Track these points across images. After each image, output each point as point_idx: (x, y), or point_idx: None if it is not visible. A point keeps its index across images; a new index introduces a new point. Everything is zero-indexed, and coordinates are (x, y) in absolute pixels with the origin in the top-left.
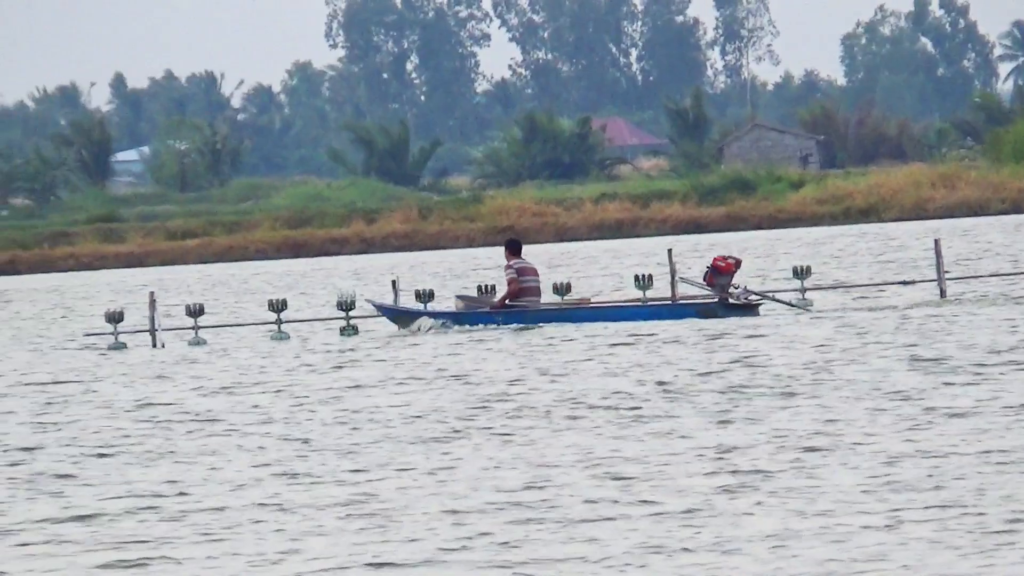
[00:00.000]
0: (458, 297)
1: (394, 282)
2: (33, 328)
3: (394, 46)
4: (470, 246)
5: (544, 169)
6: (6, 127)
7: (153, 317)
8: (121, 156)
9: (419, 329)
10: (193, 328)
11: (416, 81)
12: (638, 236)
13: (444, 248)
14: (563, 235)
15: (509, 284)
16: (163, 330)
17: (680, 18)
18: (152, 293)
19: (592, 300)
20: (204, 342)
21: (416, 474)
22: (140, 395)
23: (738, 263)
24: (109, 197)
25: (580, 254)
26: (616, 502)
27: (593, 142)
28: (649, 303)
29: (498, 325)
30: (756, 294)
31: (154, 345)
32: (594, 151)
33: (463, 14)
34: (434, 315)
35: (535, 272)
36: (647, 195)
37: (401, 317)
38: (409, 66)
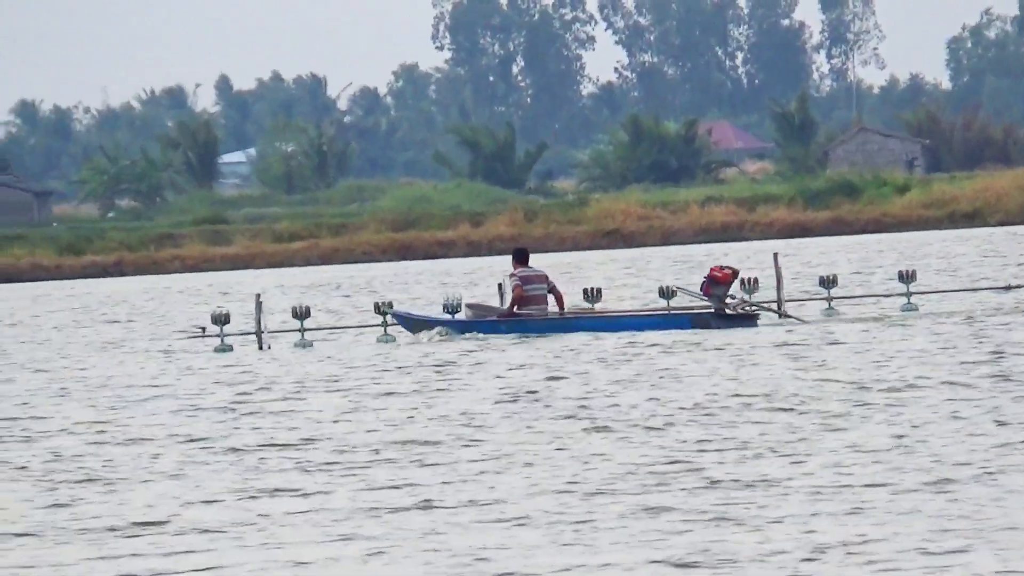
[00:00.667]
0: (467, 306)
1: (500, 284)
2: (146, 329)
3: (500, 48)
4: (575, 249)
5: (650, 172)
6: (113, 128)
7: (259, 319)
8: (227, 158)
9: (427, 338)
10: (299, 330)
11: (522, 84)
12: (744, 240)
13: (550, 251)
14: (669, 239)
15: (514, 291)
16: (269, 333)
17: (786, 21)
18: (259, 296)
19: (595, 309)
20: (310, 345)
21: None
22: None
23: (735, 273)
24: (215, 199)
25: (679, 256)
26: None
27: (699, 145)
28: (644, 313)
29: (501, 334)
30: (752, 305)
31: (260, 347)
32: (700, 154)
33: (568, 16)
34: (446, 324)
35: (542, 279)
36: (753, 199)
37: (415, 324)
38: (515, 68)
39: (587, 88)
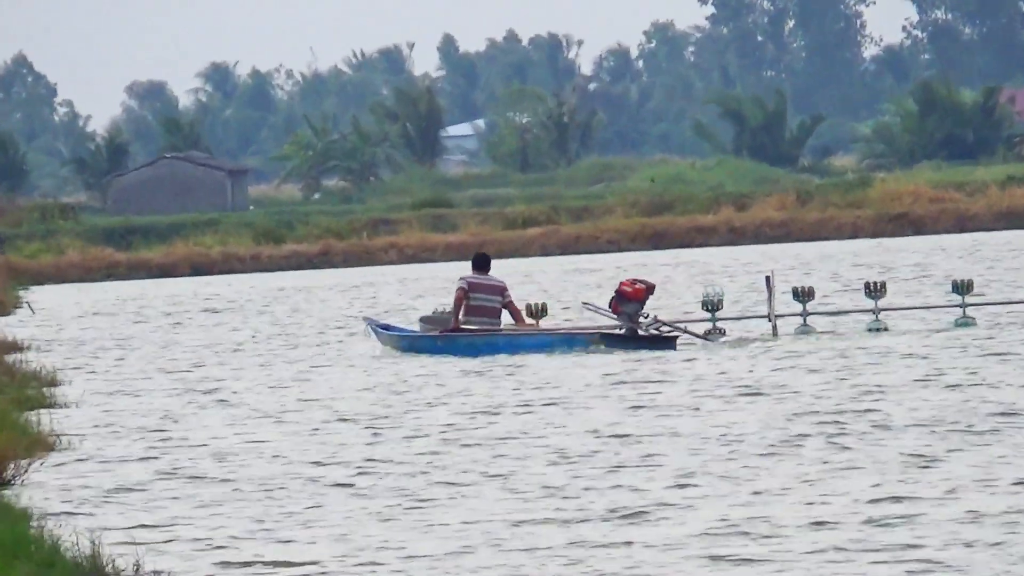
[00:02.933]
0: (421, 320)
1: (768, 277)
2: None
3: (770, 4)
4: (855, 236)
5: (942, 148)
6: (320, 97)
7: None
8: (452, 131)
9: (380, 350)
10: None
11: (794, 45)
12: None
13: (825, 239)
14: (964, 224)
15: (455, 296)
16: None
17: None
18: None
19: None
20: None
21: None
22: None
23: (650, 288)
24: (438, 178)
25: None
26: None
27: (999, 116)
28: (542, 332)
29: (434, 353)
30: (668, 325)
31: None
32: (1000, 126)
33: None
34: (403, 339)
35: (496, 290)
36: None
37: (381, 335)
38: (786, 28)
39: (869, 50)
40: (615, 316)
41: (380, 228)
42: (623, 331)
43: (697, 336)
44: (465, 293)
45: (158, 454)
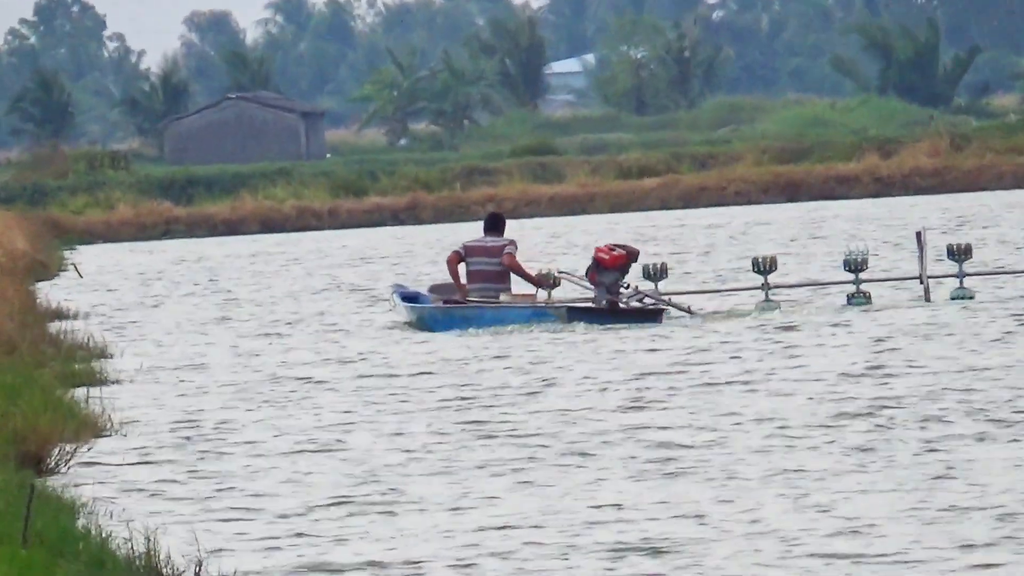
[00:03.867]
0: (431, 289)
1: (919, 233)
2: None
3: None
4: (1018, 186)
5: None
6: (407, 29)
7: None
8: (557, 67)
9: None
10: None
11: None
12: None
13: (983, 189)
14: None
15: (448, 262)
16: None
17: None
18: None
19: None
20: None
21: None
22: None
23: (631, 255)
24: (541, 121)
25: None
26: None
27: None
28: (506, 306)
29: (427, 329)
30: (651, 297)
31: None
32: None
33: None
34: (414, 310)
35: (495, 251)
36: None
37: (402, 306)
38: None
39: None
40: (592, 287)
41: (475, 178)
42: (603, 303)
43: (683, 310)
44: (460, 257)
45: (221, 440)
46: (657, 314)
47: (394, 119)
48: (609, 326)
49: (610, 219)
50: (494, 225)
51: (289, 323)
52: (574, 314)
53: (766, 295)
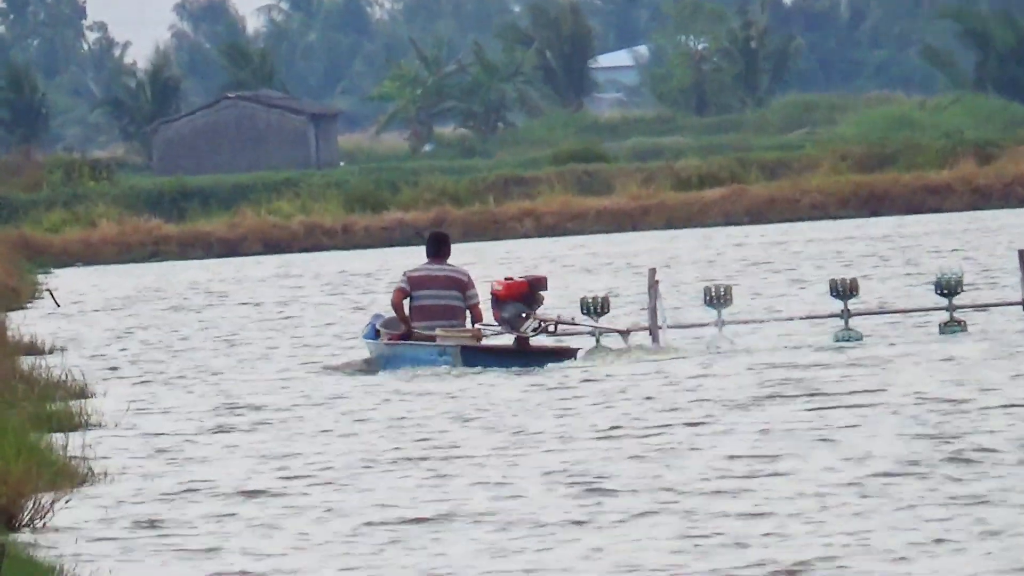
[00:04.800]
0: (382, 325)
1: (1022, 252)
2: None
3: None
4: None
5: None
6: (431, 17)
7: (655, 307)
8: (605, 60)
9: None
10: (716, 323)
11: None
12: None
13: None
14: None
15: (393, 298)
16: (668, 327)
17: None
18: (653, 271)
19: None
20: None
21: None
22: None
23: (534, 283)
24: (587, 123)
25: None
26: None
27: None
28: (414, 345)
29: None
30: (564, 323)
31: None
32: None
33: None
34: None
35: (452, 283)
36: None
37: (369, 341)
38: None
39: None
40: (498, 325)
41: (511, 190)
42: (513, 342)
43: (620, 332)
44: (404, 293)
45: (219, 489)
46: (570, 352)
47: (417, 121)
48: (513, 368)
49: (666, 236)
50: (437, 249)
51: (264, 357)
52: (469, 356)
53: (846, 323)
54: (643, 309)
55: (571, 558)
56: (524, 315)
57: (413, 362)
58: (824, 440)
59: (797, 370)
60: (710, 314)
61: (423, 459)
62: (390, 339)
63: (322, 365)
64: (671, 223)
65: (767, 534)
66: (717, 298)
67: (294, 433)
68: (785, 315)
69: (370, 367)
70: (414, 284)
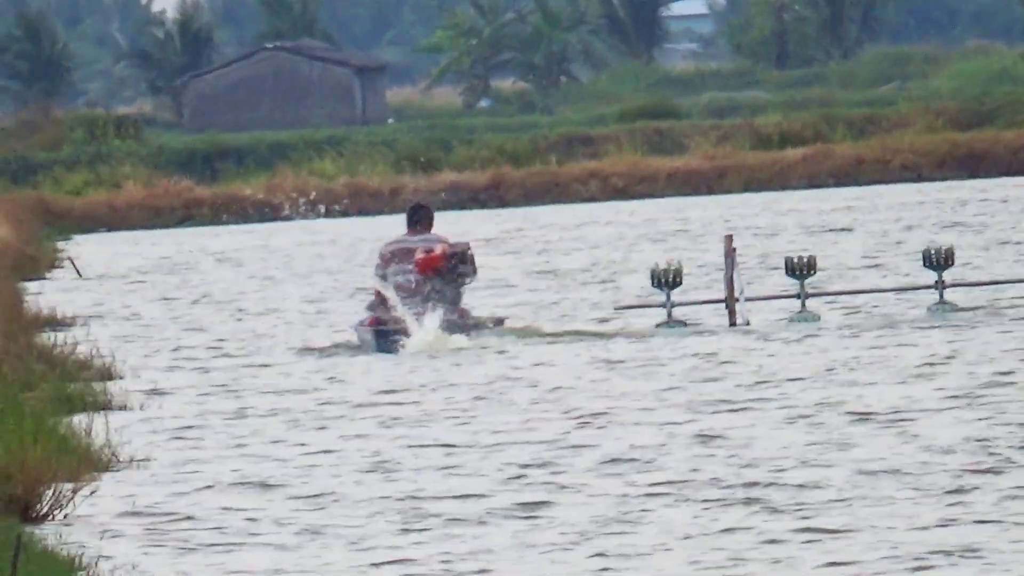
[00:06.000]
0: (368, 308)
1: None
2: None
3: None
4: None
5: None
6: None
7: (732, 278)
8: (678, 9)
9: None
10: (798, 296)
11: None
12: None
13: None
14: None
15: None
16: (748, 299)
17: None
18: (729, 238)
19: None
20: (815, 318)
21: None
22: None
23: (449, 256)
24: (658, 77)
25: None
26: None
27: None
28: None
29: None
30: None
31: (732, 323)
32: None
33: None
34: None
35: (420, 257)
36: None
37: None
38: None
39: None
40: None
41: (575, 149)
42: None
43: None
44: (382, 267)
45: (249, 478)
46: (499, 321)
47: (472, 75)
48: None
49: (743, 200)
50: (418, 218)
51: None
52: (382, 340)
53: (940, 295)
54: (718, 280)
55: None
56: (440, 290)
57: (367, 347)
58: None
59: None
60: (792, 285)
61: (469, 446)
62: (367, 324)
63: (305, 346)
64: (749, 186)
65: None
66: (799, 268)
67: (325, 419)
68: (874, 287)
69: (353, 351)
70: (386, 259)
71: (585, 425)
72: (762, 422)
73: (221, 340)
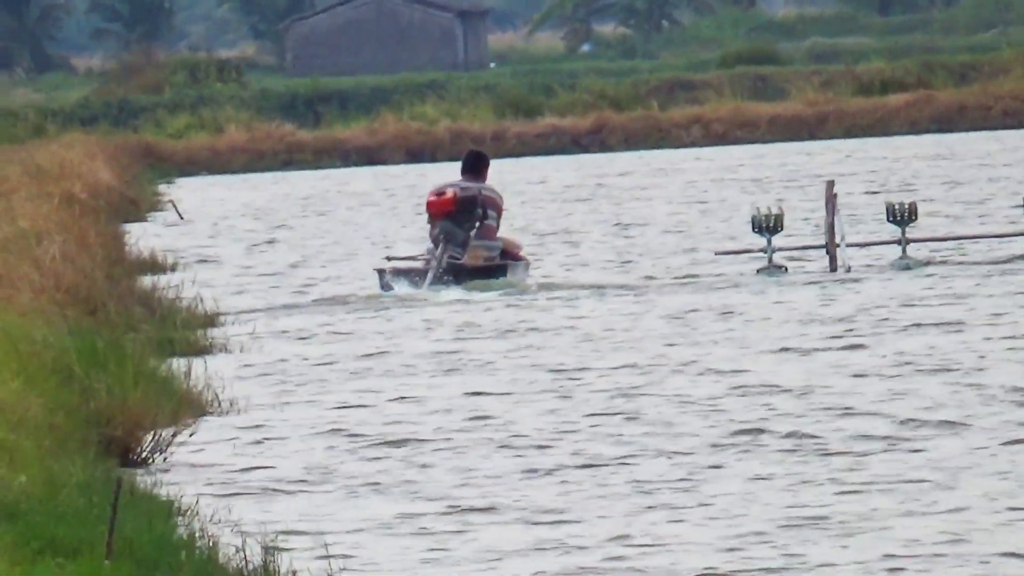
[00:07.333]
0: (386, 259)
1: None
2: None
3: None
4: None
5: None
6: None
7: (833, 223)
8: None
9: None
10: (899, 242)
11: None
12: None
13: None
14: None
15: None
16: (849, 245)
17: None
18: (831, 184)
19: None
20: (919, 264)
21: None
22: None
23: (462, 200)
24: (760, 22)
25: None
26: None
27: None
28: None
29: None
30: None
31: (833, 268)
32: None
33: None
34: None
35: (431, 199)
36: None
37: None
38: None
39: None
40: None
41: (676, 94)
42: (442, 265)
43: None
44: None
45: (358, 423)
46: (500, 269)
47: (574, 19)
48: (437, 287)
49: (845, 146)
50: (473, 165)
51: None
52: (393, 278)
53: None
54: (819, 226)
55: None
56: (455, 233)
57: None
58: None
59: None
60: (893, 232)
61: (567, 396)
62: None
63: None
64: (851, 132)
65: None
66: (901, 215)
67: (427, 368)
68: (977, 233)
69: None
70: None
71: (679, 372)
72: (864, 368)
73: (318, 284)
